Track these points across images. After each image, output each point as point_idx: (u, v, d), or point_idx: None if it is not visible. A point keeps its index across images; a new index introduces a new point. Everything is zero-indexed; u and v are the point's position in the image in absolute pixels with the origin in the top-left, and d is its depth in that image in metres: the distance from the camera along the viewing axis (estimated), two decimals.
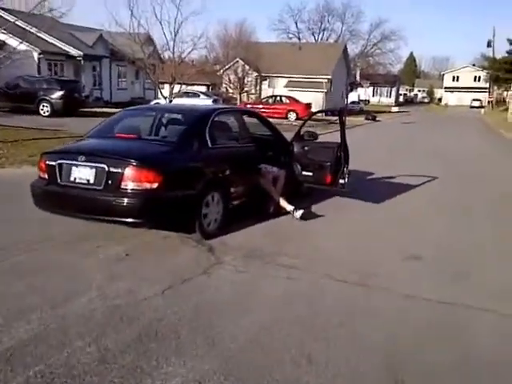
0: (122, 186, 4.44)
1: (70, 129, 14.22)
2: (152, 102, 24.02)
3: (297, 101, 29.21)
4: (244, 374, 2.74)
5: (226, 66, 40.13)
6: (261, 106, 29.11)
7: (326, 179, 6.42)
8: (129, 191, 4.44)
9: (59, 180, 4.69)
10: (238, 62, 38.02)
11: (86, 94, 26.06)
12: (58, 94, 19.60)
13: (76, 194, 4.59)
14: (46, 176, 4.80)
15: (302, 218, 6.00)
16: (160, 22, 21.03)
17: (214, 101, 28.90)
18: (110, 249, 4.68)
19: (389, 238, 5.53)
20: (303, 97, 32.36)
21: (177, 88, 23.25)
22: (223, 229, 5.31)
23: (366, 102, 54.92)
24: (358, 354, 3.00)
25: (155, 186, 4.46)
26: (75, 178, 4.62)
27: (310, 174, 6.63)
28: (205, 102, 28.18)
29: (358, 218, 6.43)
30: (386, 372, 2.86)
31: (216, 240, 5.07)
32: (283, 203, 6.20)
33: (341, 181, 6.35)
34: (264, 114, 25.11)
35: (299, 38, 60.51)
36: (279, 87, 38.79)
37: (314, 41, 59.78)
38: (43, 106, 19.56)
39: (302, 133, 7.02)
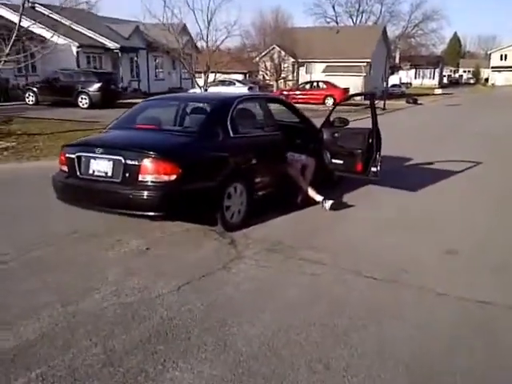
0: (140, 179, 4.30)
1: (107, 120, 14.15)
2: (189, 92, 24.06)
3: (334, 86, 28.53)
4: (254, 382, 2.54)
5: (263, 53, 39.74)
6: (298, 93, 28.71)
7: (357, 167, 6.07)
8: (146, 184, 4.29)
9: (78, 173, 4.60)
10: (274, 48, 37.54)
11: (123, 86, 26.55)
12: (96, 86, 19.88)
13: (95, 187, 4.49)
14: (66, 169, 4.73)
15: (332, 208, 5.73)
16: (193, 11, 20.85)
17: (250, 88, 28.64)
18: (132, 242, 4.58)
19: (424, 230, 5.17)
20: (342, 82, 31.55)
21: (212, 77, 23.11)
22: (247, 221, 5.12)
23: (408, 84, 53.14)
24: (380, 363, 2.74)
25: (173, 178, 4.29)
26: (94, 171, 4.52)
27: (341, 161, 6.30)
28: (240, 89, 28.01)
29: (391, 208, 6.08)
30: None
31: (239, 233, 4.88)
32: (312, 193, 5.95)
33: (373, 169, 5.99)
34: (301, 101, 24.75)
35: (337, 22, 59.22)
36: (317, 73, 37.98)
37: (352, 24, 58.26)
38: (81, 98, 19.89)
39: (331, 119, 6.69)
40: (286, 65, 38.61)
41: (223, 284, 3.71)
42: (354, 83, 34.54)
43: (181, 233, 4.88)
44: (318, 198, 5.89)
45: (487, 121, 19.08)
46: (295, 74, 40.77)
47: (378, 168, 5.98)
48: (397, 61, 43.71)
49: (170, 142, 4.77)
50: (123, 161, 4.34)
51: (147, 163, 4.28)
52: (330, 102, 25.86)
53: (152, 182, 4.29)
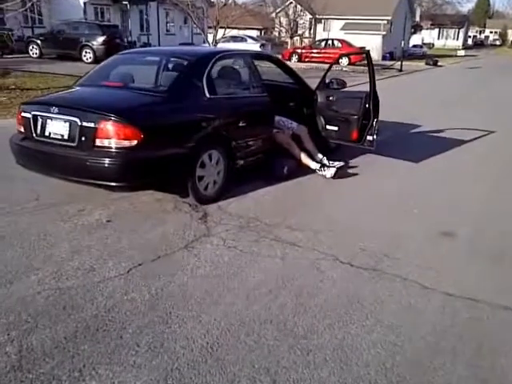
0: (97, 144, 3.81)
1: None
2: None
3: (350, 45, 27.24)
4: None
5: (279, 9, 38.13)
6: (312, 51, 27.54)
7: (352, 135, 5.54)
8: (104, 150, 3.80)
9: (34, 134, 4.13)
10: (290, 3, 35.93)
11: (131, 40, 25.68)
12: (100, 39, 19.19)
13: (50, 151, 4.00)
14: (23, 129, 4.27)
15: (337, 176, 5.29)
16: None
17: (262, 45, 27.59)
18: (94, 213, 4.17)
19: (420, 206, 4.65)
20: (360, 40, 30.19)
21: (221, 33, 22.12)
22: (225, 193, 4.66)
23: (431, 45, 50.99)
24: (339, 376, 2.32)
25: (134, 143, 3.78)
26: (50, 133, 4.03)
27: (335, 128, 5.74)
28: (251, 46, 26.97)
29: (389, 180, 5.56)
30: None
31: (213, 206, 4.43)
32: (306, 160, 5.46)
33: (368, 137, 5.43)
34: (315, 59, 23.79)
35: None
36: (335, 30, 36.35)
37: None
38: (85, 52, 19.25)
39: (327, 80, 6.06)
40: (302, 21, 37.08)
41: (179, 268, 3.29)
42: (372, 42, 33.11)
43: (150, 204, 4.45)
44: (314, 165, 5.41)
45: (507, 86, 18.03)
46: (312, 31, 39.19)
47: (375, 137, 5.40)
48: (417, 18, 41.62)
49: (133, 102, 4.22)
50: (79, 122, 3.85)
51: (104, 126, 3.77)
52: (344, 61, 24.72)
53: (110, 147, 3.80)
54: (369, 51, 5.75)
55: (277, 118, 5.54)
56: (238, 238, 3.82)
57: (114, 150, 3.80)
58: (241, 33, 29.74)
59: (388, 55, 34.44)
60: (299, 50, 28.48)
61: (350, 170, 5.77)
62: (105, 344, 2.46)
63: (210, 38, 21.48)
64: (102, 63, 5.28)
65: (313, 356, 2.44)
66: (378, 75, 20.95)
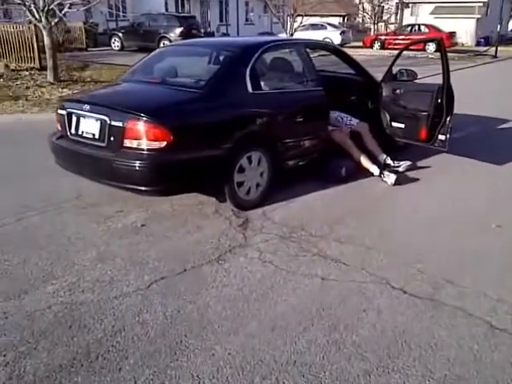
0: (125, 144, 3.56)
1: None
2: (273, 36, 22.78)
3: (438, 29, 25.31)
4: None
5: None
6: (396, 37, 26.00)
7: (421, 134, 4.87)
8: (132, 151, 3.54)
9: (68, 132, 3.97)
10: None
11: (209, 31, 25.87)
12: (177, 31, 19.43)
13: (82, 151, 3.81)
14: (59, 127, 4.15)
15: (397, 183, 4.66)
16: None
17: (342, 33, 26.68)
18: (131, 215, 3.96)
19: (501, 221, 3.92)
20: (452, 25, 28.07)
21: (299, 20, 21.50)
22: (272, 196, 4.25)
23: None
24: None
25: (163, 145, 3.48)
26: (82, 132, 3.85)
27: (402, 125, 5.08)
28: (331, 34, 26.12)
29: (464, 185, 4.82)
30: None
31: (258, 211, 4.05)
32: (366, 163, 4.88)
33: (440, 137, 4.73)
34: (399, 46, 22.59)
35: None
36: (424, 15, 34.13)
37: None
38: (163, 43, 19.49)
39: (395, 71, 5.36)
40: (387, 6, 35.30)
41: (204, 284, 2.95)
42: (465, 27, 30.76)
43: (191, 207, 4.15)
44: (375, 170, 4.83)
45: None
46: (398, 16, 37.17)
47: (448, 136, 4.68)
48: None
49: (164, 99, 3.92)
50: (108, 121, 3.61)
51: (131, 125, 3.51)
52: (431, 48, 23.02)
53: (138, 148, 3.52)
54: (441, 39, 5.05)
55: (335, 113, 5.03)
56: (276, 250, 3.40)
57: (141, 152, 3.52)
58: (322, 20, 28.87)
59: (483, 40, 31.76)
60: (382, 37, 27.07)
61: (418, 172, 5.09)
62: (100, 377, 2.18)
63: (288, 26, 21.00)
64: (148, 56, 5.01)
65: None
66: (469, 62, 19.51)
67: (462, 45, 29.91)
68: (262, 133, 4.13)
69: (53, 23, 10.71)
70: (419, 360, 2.29)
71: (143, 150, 3.51)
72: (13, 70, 12.02)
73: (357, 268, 3.14)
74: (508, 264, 3.23)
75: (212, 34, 25.83)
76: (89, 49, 19.74)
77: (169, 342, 2.41)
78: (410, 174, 5.02)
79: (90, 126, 3.77)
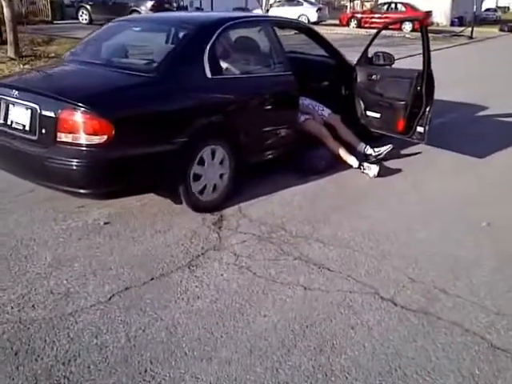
0: (58, 139, 3.00)
1: None
2: (253, 12, 22.12)
3: (414, 8, 25.07)
4: None
5: None
6: (372, 15, 25.65)
7: (398, 125, 4.50)
8: (66, 147, 2.98)
9: None
10: None
11: (182, 5, 24.93)
12: (148, 4, 18.61)
13: (10, 144, 3.24)
14: None
15: (379, 175, 4.38)
16: None
17: (319, 10, 26.18)
18: (93, 212, 3.58)
19: (490, 218, 3.70)
20: (426, 4, 27.81)
21: None
22: (247, 192, 3.93)
23: (506, 9, 46.72)
24: None
25: (103, 140, 2.93)
26: (12, 122, 3.26)
27: (377, 115, 4.70)
28: (308, 10, 25.64)
29: (446, 179, 4.57)
30: None
31: (233, 207, 3.72)
32: (344, 155, 4.53)
33: (419, 129, 4.37)
34: (375, 25, 22.35)
35: None
36: None
37: None
38: None
39: (371, 54, 4.93)
40: None
41: (173, 296, 2.63)
42: (440, 6, 30.58)
43: (161, 201, 3.77)
44: (353, 162, 4.49)
45: None
46: None
47: (427, 128, 4.34)
48: None
49: (106, 85, 3.37)
50: (39, 110, 3.06)
51: (65, 116, 2.96)
52: (407, 27, 22.79)
53: (73, 144, 2.97)
54: (424, 18, 4.69)
55: (305, 100, 4.60)
56: (254, 253, 3.10)
57: (78, 148, 2.97)
58: None
59: (457, 20, 31.77)
60: (358, 15, 26.70)
61: (400, 162, 4.82)
62: None
63: (264, 1, 20.36)
64: (96, 32, 4.43)
65: None
66: (446, 43, 19.35)
67: (438, 25, 29.78)
68: (222, 124, 3.65)
69: None
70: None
71: (80, 145, 2.96)
72: None
73: (342, 275, 2.87)
74: (503, 268, 3.01)
75: (185, 8, 24.93)
76: (54, 22, 18.79)
77: (131, 372, 2.09)
78: (392, 163, 4.75)
79: (19, 115, 3.20)
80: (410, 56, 11.24)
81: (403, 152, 5.08)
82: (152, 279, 2.78)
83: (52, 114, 2.99)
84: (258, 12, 22.44)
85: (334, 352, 2.24)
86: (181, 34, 3.88)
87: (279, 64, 4.21)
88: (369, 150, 4.68)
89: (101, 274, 2.81)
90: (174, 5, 20.42)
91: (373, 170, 4.38)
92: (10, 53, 10.15)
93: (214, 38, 3.66)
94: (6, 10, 10.16)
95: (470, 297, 2.68)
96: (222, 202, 3.70)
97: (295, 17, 25.32)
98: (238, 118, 3.75)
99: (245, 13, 6.03)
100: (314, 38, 4.89)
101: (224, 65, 3.84)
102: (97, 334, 2.31)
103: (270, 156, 4.15)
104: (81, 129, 2.93)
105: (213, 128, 3.59)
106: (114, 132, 2.93)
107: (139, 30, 4.47)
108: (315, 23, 25.32)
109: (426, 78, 4.33)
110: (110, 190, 3.19)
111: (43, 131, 3.05)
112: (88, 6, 19.59)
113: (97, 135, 2.93)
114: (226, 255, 3.07)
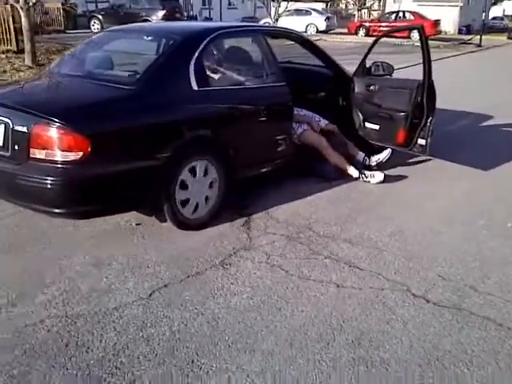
0: (32, 155, 2.83)
1: None
2: (261, 22, 22.35)
3: (423, 17, 25.19)
4: None
5: None
6: (380, 24, 25.80)
7: (398, 137, 4.33)
8: (40, 164, 2.82)
9: None
10: None
11: (192, 15, 25.28)
12: (160, 14, 18.87)
13: None
14: None
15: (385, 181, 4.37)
16: None
17: (327, 18, 26.34)
18: (125, 214, 3.65)
19: None
20: (435, 13, 27.96)
21: (284, 5, 21.09)
22: (270, 196, 4.02)
23: None
24: None
25: (79, 156, 2.76)
26: None
27: (376, 127, 4.53)
28: (316, 20, 25.85)
29: (460, 187, 4.63)
30: None
31: (258, 209, 3.81)
32: (344, 166, 4.43)
33: (420, 141, 4.23)
34: (383, 33, 22.45)
35: None
36: (407, 2, 34.00)
37: None
38: None
39: (369, 64, 4.71)
40: None
41: (211, 293, 2.71)
42: (448, 15, 30.76)
43: None
44: (354, 172, 4.40)
45: None
46: (381, 3, 36.96)
47: (428, 140, 4.18)
48: None
49: (84, 98, 3.19)
50: (11, 125, 2.89)
51: (38, 131, 2.80)
52: (416, 35, 22.89)
53: (47, 160, 2.81)
54: (422, 27, 4.28)
55: (301, 111, 4.52)
56: (284, 252, 3.18)
57: (51, 165, 2.79)
58: (306, 6, 28.44)
59: (464, 28, 31.91)
60: (367, 24, 26.86)
61: (404, 169, 4.83)
62: None
63: (273, 11, 20.57)
64: (83, 44, 4.28)
65: None
66: (454, 51, 19.42)
67: (445, 33, 29.93)
68: (210, 138, 3.47)
69: (31, 3, 10.16)
70: (456, 381, 2.10)
71: (54, 162, 2.79)
72: None
73: (373, 273, 2.95)
74: None
75: (195, 18, 25.25)
76: (67, 31, 19.01)
77: (179, 363, 2.17)
78: (397, 171, 4.73)
79: None
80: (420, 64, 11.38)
81: (410, 160, 5.09)
82: (188, 277, 2.87)
83: (25, 129, 2.84)
84: (268, 21, 22.74)
85: (373, 345, 2.31)
86: (166, 45, 3.72)
87: (271, 74, 4.07)
88: (367, 161, 4.64)
89: (139, 271, 2.90)
90: (185, 14, 20.66)
91: (377, 177, 4.36)
92: (28, 61, 10.36)
93: (200, 48, 3.52)
94: (23, 20, 10.38)
95: (500, 294, 2.75)
96: (210, 219, 3.53)
97: (304, 26, 25.73)
98: (226, 131, 3.59)
99: (237, 22, 5.78)
100: (310, 48, 4.76)
101: (212, 76, 3.74)
102: (142, 327, 2.40)
103: (265, 170, 4.02)
104: (55, 145, 2.77)
105: (199, 142, 3.43)
106: (90, 148, 2.78)
107: (127, 41, 4.39)
108: (324, 32, 25.57)
109: (426, 88, 4.17)
110: (87, 210, 3.02)
111: (16, 147, 2.90)
112: (100, 16, 19.94)
113: (72, 151, 2.77)
114: (258, 254, 3.15)
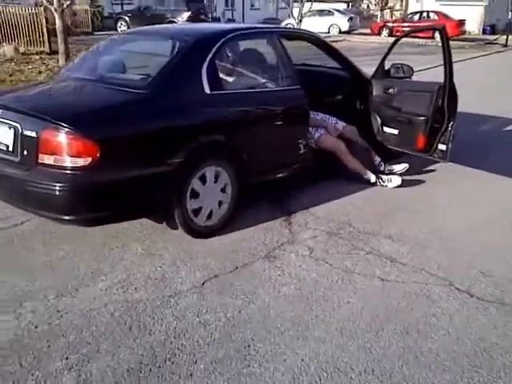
0: (40, 161, 2.78)
1: None
2: (283, 24, 22.46)
3: (447, 17, 24.99)
4: None
5: None
6: (404, 25, 25.65)
7: (418, 142, 4.16)
8: (48, 169, 2.77)
9: None
10: None
11: (215, 16, 25.51)
12: (185, 15, 19.22)
13: None
14: None
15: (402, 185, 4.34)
16: None
17: (350, 19, 26.28)
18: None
19: None
20: (458, 12, 27.67)
21: (308, 6, 21.15)
22: (309, 193, 4.12)
23: None
24: None
25: (88, 162, 2.72)
26: None
27: (395, 131, 4.38)
28: (339, 20, 25.85)
29: (491, 189, 4.65)
30: None
31: (298, 207, 3.92)
32: (362, 171, 4.37)
33: (440, 146, 4.05)
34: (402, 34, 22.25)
35: None
36: (429, 2, 33.70)
37: None
38: None
39: (388, 66, 4.57)
40: None
41: (260, 283, 2.84)
42: (471, 14, 30.35)
43: None
44: (371, 177, 4.35)
45: None
46: (404, 3, 36.72)
47: (449, 145, 3.98)
48: None
49: (94, 102, 3.16)
50: (20, 130, 2.85)
51: (47, 136, 2.75)
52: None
53: (56, 166, 2.75)
54: (444, 27, 4.11)
55: (318, 115, 4.42)
56: (327, 247, 3.29)
57: (60, 171, 2.74)
58: (329, 6, 28.45)
59: (489, 28, 31.45)
60: (390, 24, 26.72)
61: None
62: (172, 383, 2.07)
63: (296, 12, 20.64)
64: (96, 46, 4.22)
65: None
66: (480, 51, 19.20)
67: (469, 33, 29.58)
68: (223, 143, 3.40)
69: (65, 5, 10.46)
70: (504, 371, 2.18)
71: (63, 168, 2.74)
72: (22, 54, 11.78)
73: (415, 268, 3.03)
74: None
75: (218, 20, 25.48)
76: (95, 32, 19.41)
77: (237, 346, 2.30)
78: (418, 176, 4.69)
79: (3, 135, 2.97)
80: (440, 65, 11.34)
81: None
82: (236, 268, 3.00)
83: (34, 134, 2.80)
84: (291, 22, 22.81)
85: (421, 336, 2.40)
86: (179, 47, 3.58)
87: (286, 77, 3.96)
88: (382, 167, 4.58)
89: (190, 262, 3.04)
90: (209, 15, 20.90)
91: (394, 181, 4.33)
92: (62, 62, 10.65)
93: (213, 50, 3.43)
94: (57, 22, 10.70)
95: None
96: (222, 226, 3.46)
97: (327, 27, 25.76)
98: (240, 135, 3.50)
99: (252, 24, 5.55)
100: (326, 49, 4.60)
101: (225, 79, 3.68)
102: (198, 313, 2.54)
103: (281, 175, 3.95)
104: (63, 150, 2.72)
105: (212, 147, 3.36)
106: (99, 153, 2.72)
107: (141, 44, 4.33)
108: (346, 32, 25.57)
109: (447, 91, 3.98)
110: (96, 217, 2.96)
111: (25, 152, 2.86)
112: (126, 18, 20.34)
113: (81, 157, 2.72)
114: (301, 248, 3.27)
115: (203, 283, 2.82)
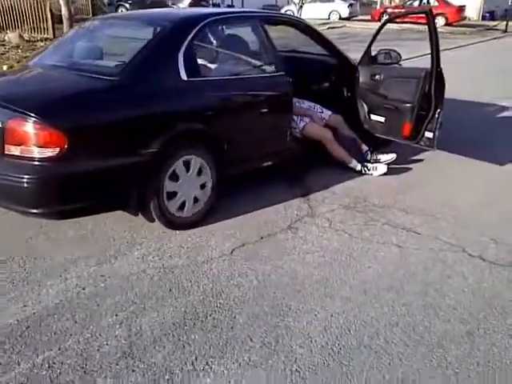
0: (6, 151, 2.67)
1: None
2: (282, 10, 22.46)
3: (447, 3, 25.03)
4: None
5: None
6: (404, 11, 25.67)
7: (404, 130, 4.08)
8: (15, 160, 2.66)
9: None
10: None
11: (215, 2, 25.46)
12: (186, 1, 19.16)
13: None
14: None
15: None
16: None
17: (350, 5, 26.26)
18: None
19: None
20: None
21: None
22: (327, 172, 4.31)
23: None
24: None
25: (56, 153, 2.60)
26: None
27: (381, 119, 4.30)
28: (339, 6, 25.82)
29: (493, 175, 4.86)
30: None
31: (315, 183, 4.10)
32: (347, 159, 4.33)
33: (427, 134, 3.97)
34: (407, 20, 22.18)
35: None
36: None
37: None
38: None
39: (375, 52, 4.46)
40: None
41: (285, 251, 3.03)
42: (471, 0, 30.28)
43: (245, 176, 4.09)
44: (356, 165, 4.32)
45: None
46: None
47: (437, 133, 3.90)
48: None
49: (63, 90, 2.99)
50: None
51: (12, 126, 2.63)
52: (440, 21, 22.80)
53: (23, 157, 2.64)
54: (430, 10, 3.91)
55: (303, 103, 4.37)
56: (345, 219, 3.48)
57: (27, 162, 2.63)
58: None
59: (488, 15, 31.47)
60: (390, 10, 26.67)
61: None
62: (216, 334, 2.27)
63: None
64: (72, 31, 4.23)
65: (453, 370, 2.09)
66: (480, 37, 19.27)
67: (469, 19, 29.59)
68: (200, 131, 3.28)
69: None
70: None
71: (30, 159, 2.63)
72: (27, 41, 11.84)
73: (430, 237, 3.23)
74: None
75: (218, 6, 25.42)
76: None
77: (270, 304, 2.50)
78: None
79: None
80: (447, 49, 11.53)
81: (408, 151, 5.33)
82: (262, 238, 3.19)
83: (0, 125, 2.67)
84: (290, 9, 22.81)
85: (438, 294, 2.61)
86: (156, 32, 3.47)
87: (270, 64, 3.84)
88: (368, 156, 4.49)
89: (217, 233, 3.23)
90: (210, 1, 20.89)
91: (379, 169, 4.30)
92: None
93: (190, 36, 3.29)
94: (63, 9, 10.82)
95: None
96: (202, 217, 3.36)
97: (327, 13, 25.75)
98: (218, 124, 3.37)
99: (229, 9, 5.41)
100: (312, 35, 4.42)
101: (204, 66, 3.59)
102: (231, 277, 2.73)
103: (265, 164, 3.86)
104: (30, 140, 2.61)
105: (189, 136, 3.25)
106: (68, 143, 2.61)
107: (119, 29, 4.18)
108: (347, 19, 25.55)
109: (434, 77, 3.87)
110: (65, 209, 2.85)
111: None
112: (127, 4, 20.30)
113: (48, 147, 2.60)
114: (320, 220, 3.46)
115: (232, 251, 3.01)
